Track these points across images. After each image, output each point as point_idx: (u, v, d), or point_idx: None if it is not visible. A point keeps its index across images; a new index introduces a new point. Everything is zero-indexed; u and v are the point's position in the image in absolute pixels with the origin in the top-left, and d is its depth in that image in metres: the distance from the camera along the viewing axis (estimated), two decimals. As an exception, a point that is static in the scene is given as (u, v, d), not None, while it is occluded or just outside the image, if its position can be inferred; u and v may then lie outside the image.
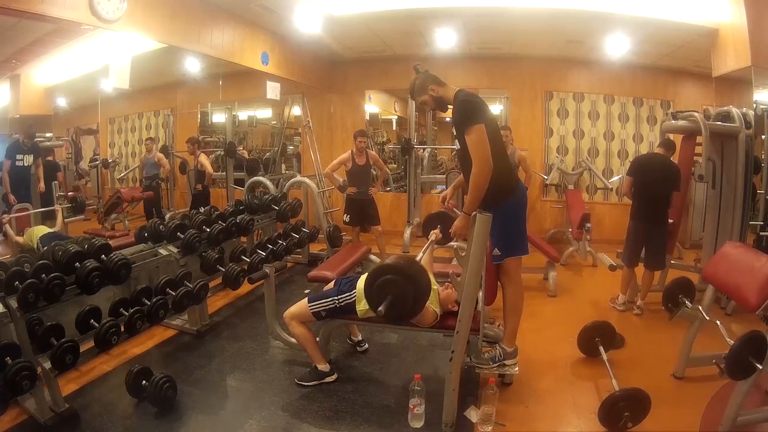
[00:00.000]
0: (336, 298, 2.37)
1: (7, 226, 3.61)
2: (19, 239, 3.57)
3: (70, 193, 4.85)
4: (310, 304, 2.40)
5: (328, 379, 2.46)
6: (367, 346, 2.86)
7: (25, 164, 4.05)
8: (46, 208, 4.07)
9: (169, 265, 3.02)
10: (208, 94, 6.31)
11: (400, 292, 1.83)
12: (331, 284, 2.56)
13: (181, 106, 6.25)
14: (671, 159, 3.52)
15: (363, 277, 2.42)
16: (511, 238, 2.28)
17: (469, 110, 2.12)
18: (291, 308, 2.46)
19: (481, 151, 2.06)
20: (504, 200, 2.21)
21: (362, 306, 2.30)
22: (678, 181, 3.36)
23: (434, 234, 2.62)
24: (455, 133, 2.25)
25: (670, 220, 3.50)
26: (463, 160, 2.27)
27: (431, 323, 2.26)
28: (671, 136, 3.80)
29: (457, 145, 2.28)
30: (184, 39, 3.79)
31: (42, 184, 4.18)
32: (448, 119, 10.61)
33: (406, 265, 1.89)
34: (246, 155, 6.61)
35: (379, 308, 1.81)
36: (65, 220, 4.29)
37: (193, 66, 5.23)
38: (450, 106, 2.27)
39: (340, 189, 4.72)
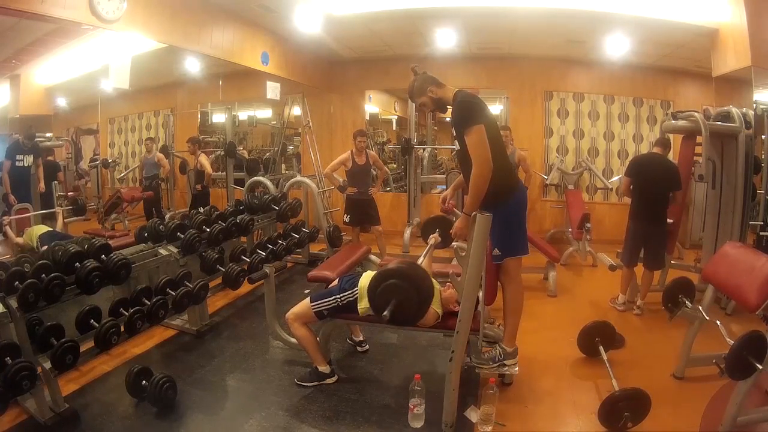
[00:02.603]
0: (338, 296, 2.36)
1: (8, 228, 3.60)
2: (19, 240, 3.57)
3: (70, 193, 4.85)
4: (312, 304, 2.40)
5: (329, 381, 2.46)
6: (367, 346, 2.86)
7: (25, 164, 4.05)
8: (47, 210, 4.05)
9: (169, 265, 3.02)
10: (208, 94, 6.30)
11: (404, 296, 1.83)
12: (335, 282, 2.57)
13: (181, 106, 6.24)
14: (669, 158, 3.52)
15: (365, 275, 2.42)
16: (512, 238, 2.28)
17: (469, 111, 2.12)
18: (294, 309, 2.46)
19: (481, 152, 2.06)
20: (504, 200, 2.21)
21: (363, 304, 2.30)
22: (678, 180, 3.36)
23: (433, 238, 2.63)
24: (455, 134, 2.25)
25: (670, 220, 3.50)
26: (462, 161, 2.27)
27: (433, 323, 2.27)
28: (669, 135, 3.80)
29: (457, 146, 2.28)
30: (184, 39, 3.79)
31: (42, 185, 4.17)
32: (448, 119, 10.60)
33: (410, 269, 1.89)
34: (246, 155, 6.61)
35: (384, 313, 1.81)
36: (65, 220, 4.29)
37: (193, 66, 5.22)
38: (449, 107, 2.27)
39: (340, 189, 4.72)
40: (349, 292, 2.36)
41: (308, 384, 2.44)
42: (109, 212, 5.15)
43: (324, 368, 2.46)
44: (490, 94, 6.09)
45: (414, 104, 2.46)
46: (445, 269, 2.82)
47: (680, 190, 3.42)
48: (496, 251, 2.27)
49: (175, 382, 2.29)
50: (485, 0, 4.17)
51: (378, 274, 1.92)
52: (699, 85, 5.47)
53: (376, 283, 1.88)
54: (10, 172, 3.94)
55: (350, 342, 2.89)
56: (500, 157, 2.17)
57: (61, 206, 4.09)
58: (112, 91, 4.77)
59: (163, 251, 3.03)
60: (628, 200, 3.64)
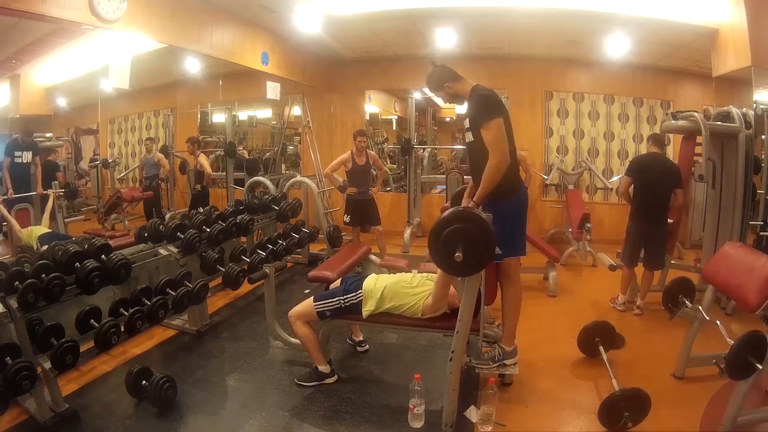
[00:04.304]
0: (342, 298, 2.36)
1: (2, 207, 3.60)
2: (18, 228, 3.56)
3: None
4: (315, 303, 2.40)
5: (329, 381, 2.46)
6: (367, 346, 2.86)
7: (24, 161, 4.05)
8: (43, 192, 4.06)
9: (169, 265, 3.02)
10: (208, 94, 6.30)
11: (470, 238, 1.81)
12: (338, 282, 2.56)
13: (181, 106, 6.24)
14: (669, 158, 3.52)
15: (370, 277, 2.42)
16: (512, 238, 2.27)
17: (488, 105, 2.14)
18: (296, 308, 2.46)
19: (500, 145, 2.08)
20: (506, 198, 2.22)
21: (368, 307, 2.30)
22: (679, 179, 3.36)
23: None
24: (469, 127, 2.25)
25: (670, 220, 3.50)
26: (473, 155, 2.27)
27: (440, 308, 2.24)
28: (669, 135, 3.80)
29: (468, 137, 2.28)
30: (184, 39, 3.79)
31: (40, 189, 4.18)
32: (448, 119, 10.60)
33: (467, 211, 1.88)
34: (246, 155, 6.61)
35: (456, 254, 1.79)
36: (65, 220, 4.29)
37: (193, 66, 5.22)
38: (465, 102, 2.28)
39: (340, 189, 4.72)
40: (353, 294, 2.35)
41: (308, 384, 2.44)
42: (109, 212, 5.15)
43: (324, 368, 2.46)
44: (490, 94, 6.08)
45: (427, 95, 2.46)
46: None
47: (681, 189, 3.42)
48: (497, 250, 2.27)
49: (175, 382, 2.29)
50: (485, 0, 4.17)
51: (437, 223, 1.87)
52: (699, 85, 5.47)
53: (438, 232, 1.84)
54: (10, 169, 3.95)
55: (350, 342, 2.89)
56: (511, 154, 2.18)
57: (54, 190, 4.08)
58: (112, 91, 4.78)
59: (163, 251, 3.03)
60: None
